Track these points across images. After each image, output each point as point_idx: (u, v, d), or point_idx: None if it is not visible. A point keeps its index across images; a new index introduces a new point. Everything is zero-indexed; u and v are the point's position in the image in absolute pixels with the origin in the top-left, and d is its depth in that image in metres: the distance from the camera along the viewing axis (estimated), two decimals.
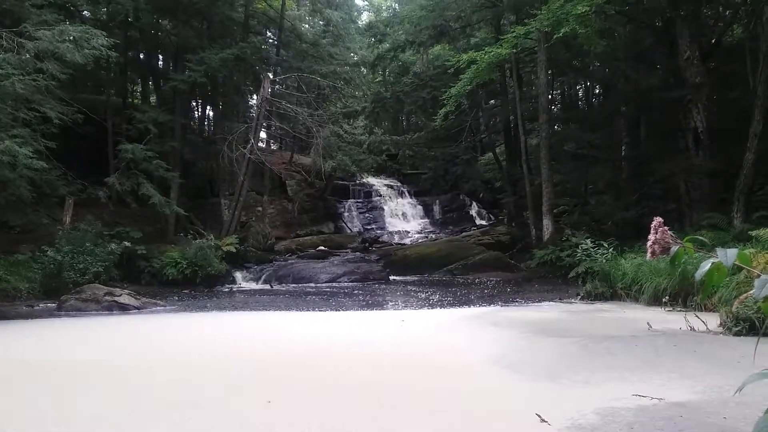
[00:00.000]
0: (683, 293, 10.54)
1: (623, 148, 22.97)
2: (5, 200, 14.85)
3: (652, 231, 1.81)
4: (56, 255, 14.83)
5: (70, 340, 9.10)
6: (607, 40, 20.51)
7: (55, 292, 14.05)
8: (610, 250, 13.69)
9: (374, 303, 14.17)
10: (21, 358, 7.55)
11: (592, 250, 14.36)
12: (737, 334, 7.43)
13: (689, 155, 17.21)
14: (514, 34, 18.23)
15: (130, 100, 27.64)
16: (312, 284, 18.71)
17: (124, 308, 12.73)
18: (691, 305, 9.95)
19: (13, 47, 12.86)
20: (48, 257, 14.81)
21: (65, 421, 4.66)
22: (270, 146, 37.41)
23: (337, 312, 12.46)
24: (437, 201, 32.57)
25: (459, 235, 26.40)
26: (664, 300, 10.63)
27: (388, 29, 29.07)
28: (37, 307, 13.31)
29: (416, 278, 20.22)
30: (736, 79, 18.21)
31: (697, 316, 8.26)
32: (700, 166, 16.77)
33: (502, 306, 12.64)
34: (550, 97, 25.74)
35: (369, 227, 30.47)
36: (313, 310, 12.77)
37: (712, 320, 8.26)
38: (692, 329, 8.01)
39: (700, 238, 1.93)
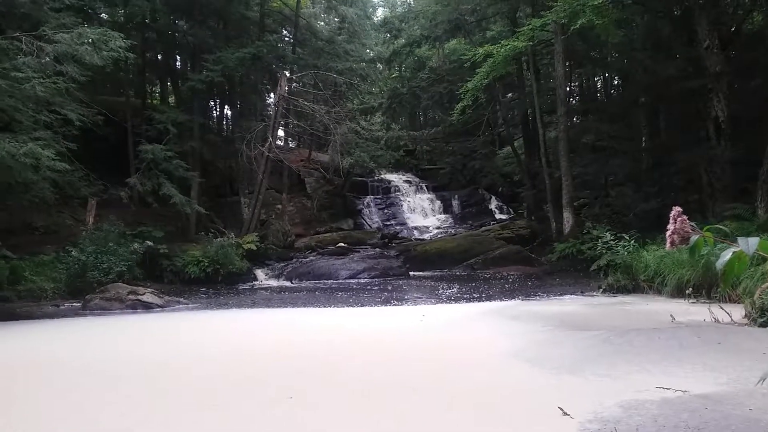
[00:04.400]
0: (707, 285, 10.42)
1: (643, 139, 22.71)
2: (29, 202, 15.06)
3: (671, 221, 1.80)
4: (80, 255, 15.04)
5: (96, 338, 9.23)
6: (624, 30, 20.28)
7: (80, 292, 14.26)
8: (632, 242, 13.55)
9: (394, 299, 14.19)
10: (48, 356, 7.67)
11: (613, 242, 14.23)
12: (762, 325, 7.32)
13: (710, 145, 16.96)
14: (531, 26, 18.12)
15: (149, 100, 27.90)
16: (332, 281, 18.79)
17: (147, 307, 12.89)
18: (715, 297, 9.83)
19: (33, 51, 13.00)
20: (72, 257, 15.02)
21: (91, 419, 4.75)
22: (288, 144, 37.56)
23: (358, 308, 12.50)
24: (456, 196, 32.43)
25: (478, 230, 26.30)
26: (687, 292, 10.53)
27: (404, 24, 29.06)
28: (63, 307, 13.53)
29: (436, 273, 20.21)
30: (758, 66, 17.91)
31: (721, 308, 8.16)
32: (722, 155, 16.50)
33: (522, 300, 12.60)
34: (567, 89, 25.53)
35: (388, 223, 30.44)
36: (334, 306, 12.82)
37: (737, 312, 8.16)
38: (716, 321, 7.91)
39: (721, 227, 1.92)
